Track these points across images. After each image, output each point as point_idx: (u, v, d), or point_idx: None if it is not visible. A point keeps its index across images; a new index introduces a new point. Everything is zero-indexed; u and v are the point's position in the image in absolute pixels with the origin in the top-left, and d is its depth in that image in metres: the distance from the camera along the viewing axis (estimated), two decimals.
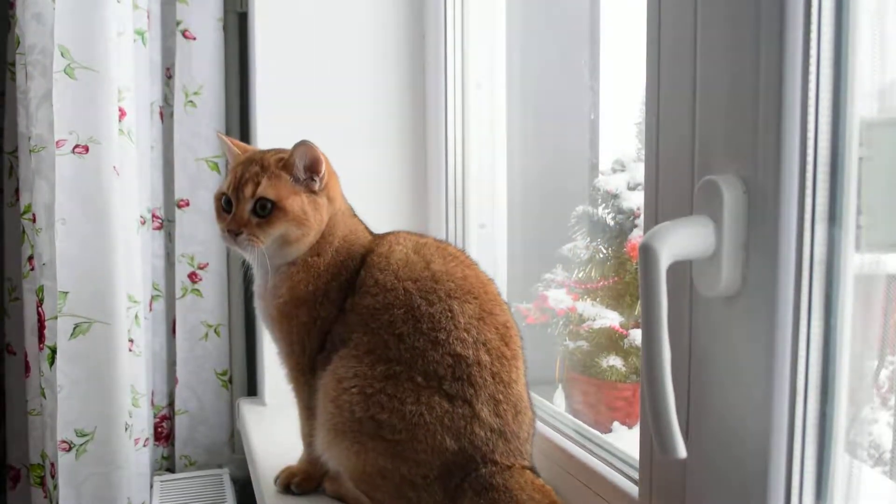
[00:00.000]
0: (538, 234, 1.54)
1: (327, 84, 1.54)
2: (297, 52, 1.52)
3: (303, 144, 1.01)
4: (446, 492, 0.90)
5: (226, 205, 1.02)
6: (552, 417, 1.10)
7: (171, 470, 1.72)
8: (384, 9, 1.56)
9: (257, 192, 0.99)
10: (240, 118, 1.71)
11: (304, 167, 1.02)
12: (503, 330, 0.95)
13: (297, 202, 1.00)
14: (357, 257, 1.03)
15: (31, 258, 1.47)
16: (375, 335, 0.94)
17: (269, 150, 1.06)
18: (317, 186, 1.02)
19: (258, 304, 1.09)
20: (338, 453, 0.95)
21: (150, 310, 1.66)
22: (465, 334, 0.92)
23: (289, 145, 1.62)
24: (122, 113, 1.46)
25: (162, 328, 1.72)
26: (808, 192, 0.54)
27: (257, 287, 1.08)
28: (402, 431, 0.89)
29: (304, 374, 1.03)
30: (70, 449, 1.42)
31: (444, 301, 0.93)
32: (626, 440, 0.97)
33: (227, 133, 1.71)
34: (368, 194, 1.56)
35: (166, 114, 1.70)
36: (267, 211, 0.98)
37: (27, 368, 1.52)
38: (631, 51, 0.87)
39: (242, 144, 1.12)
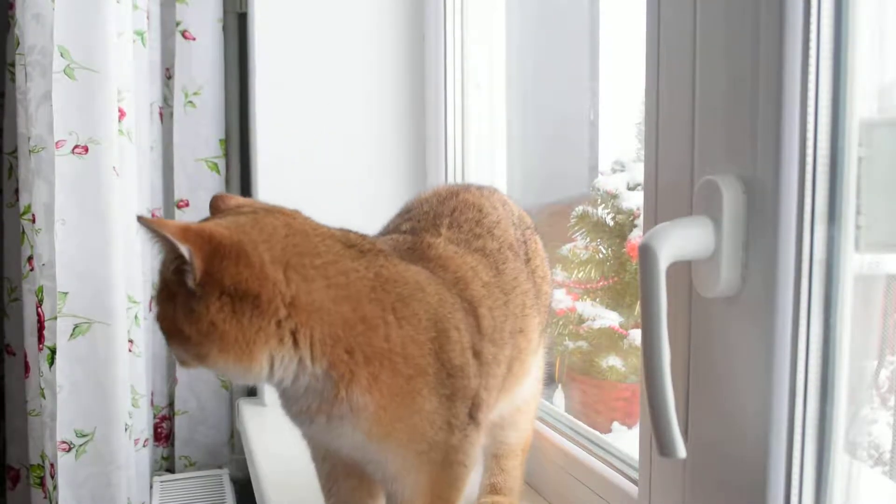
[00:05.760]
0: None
1: (327, 84, 1.54)
2: (297, 52, 1.52)
3: (138, 221, 0.69)
4: None
5: None
6: (552, 417, 1.10)
7: (170, 470, 1.72)
8: (384, 9, 1.56)
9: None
10: (239, 118, 1.71)
11: (170, 256, 0.70)
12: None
13: (163, 311, 0.71)
14: (450, 306, 0.77)
15: (30, 258, 1.47)
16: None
17: None
18: (190, 282, 0.67)
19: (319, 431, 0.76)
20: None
21: (150, 310, 1.66)
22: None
23: (288, 145, 1.61)
24: (122, 113, 1.46)
25: None
26: (808, 192, 0.54)
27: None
28: None
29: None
30: (70, 449, 1.42)
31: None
32: (626, 440, 0.97)
33: (227, 134, 1.71)
34: (368, 194, 1.57)
35: (166, 114, 1.70)
36: None
37: (27, 369, 1.52)
38: (631, 51, 0.87)
39: (239, 201, 0.79)
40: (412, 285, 0.74)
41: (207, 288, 0.66)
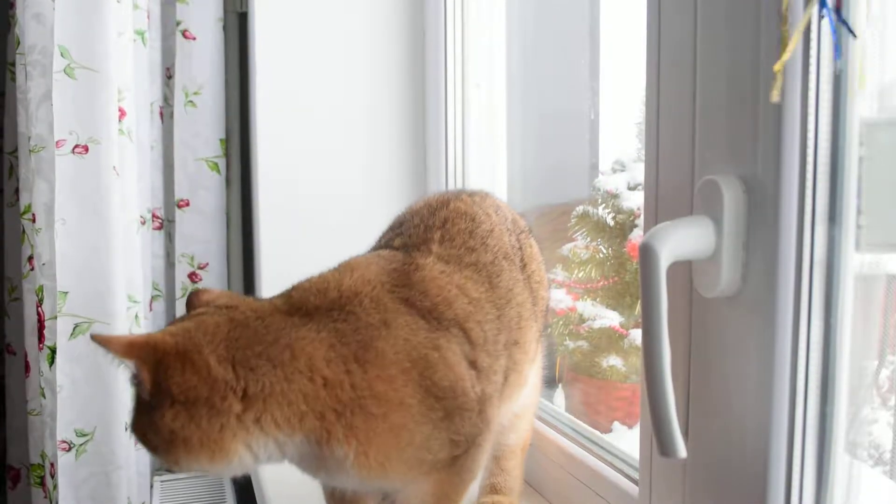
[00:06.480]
0: (537, 235, 1.54)
1: (327, 84, 1.54)
2: (297, 52, 1.52)
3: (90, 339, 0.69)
4: None
5: None
6: (552, 417, 1.10)
7: (171, 470, 1.72)
8: (384, 9, 1.56)
9: None
10: (240, 118, 1.71)
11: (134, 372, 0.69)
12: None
13: (134, 422, 0.72)
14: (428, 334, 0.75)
15: (31, 258, 1.47)
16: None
17: None
18: (144, 395, 0.69)
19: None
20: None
21: (150, 310, 1.66)
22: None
23: (288, 145, 1.61)
24: (122, 113, 1.46)
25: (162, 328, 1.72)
26: (808, 192, 0.54)
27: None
28: None
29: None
30: (70, 449, 1.42)
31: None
32: (626, 440, 0.97)
33: (227, 134, 1.71)
34: (368, 195, 1.57)
35: (166, 114, 1.70)
36: None
37: (27, 368, 1.52)
38: (631, 51, 0.87)
39: (212, 296, 0.80)
40: (374, 326, 0.73)
41: (160, 398, 0.68)
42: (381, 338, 0.72)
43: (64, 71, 1.39)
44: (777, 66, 0.52)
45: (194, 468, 0.69)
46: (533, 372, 0.96)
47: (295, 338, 0.71)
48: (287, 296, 0.76)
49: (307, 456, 0.72)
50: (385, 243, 0.90)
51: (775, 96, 0.53)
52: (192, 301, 0.78)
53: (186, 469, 0.70)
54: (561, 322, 1.33)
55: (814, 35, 0.54)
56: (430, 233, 0.86)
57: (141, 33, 1.57)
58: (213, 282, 1.69)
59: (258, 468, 0.77)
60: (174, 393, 0.67)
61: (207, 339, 0.69)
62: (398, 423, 0.71)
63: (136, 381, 0.69)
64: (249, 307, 0.74)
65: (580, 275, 1.33)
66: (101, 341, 0.67)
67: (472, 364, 0.77)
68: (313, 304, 0.74)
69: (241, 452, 0.69)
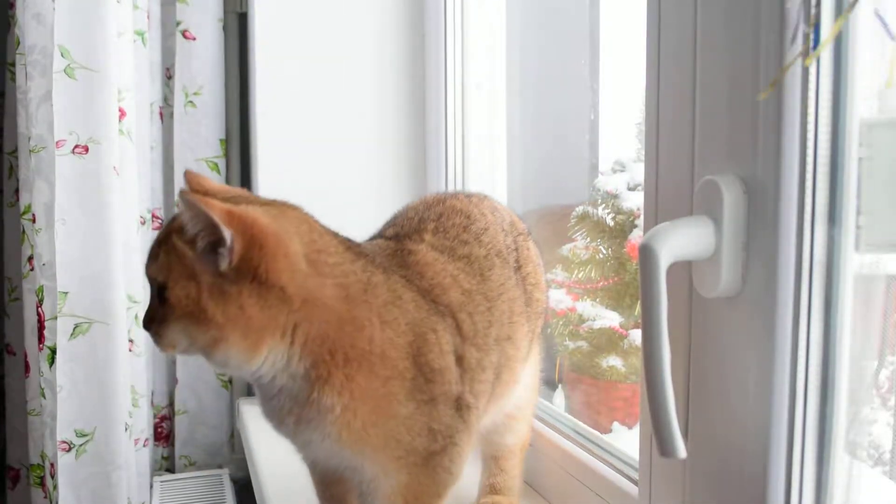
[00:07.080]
0: (538, 236, 1.54)
1: (327, 85, 1.54)
2: (297, 52, 1.52)
3: (181, 197, 0.67)
4: None
5: None
6: (552, 417, 1.10)
7: (170, 470, 1.72)
8: (384, 9, 1.56)
9: (149, 270, 0.71)
10: (240, 118, 1.71)
11: (200, 235, 0.67)
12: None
13: (183, 290, 0.67)
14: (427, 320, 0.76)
15: (31, 258, 1.47)
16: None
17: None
18: (223, 265, 0.67)
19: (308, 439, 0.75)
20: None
21: None
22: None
23: (288, 145, 1.61)
24: (122, 113, 1.46)
25: None
26: (808, 192, 0.54)
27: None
28: None
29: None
30: (70, 449, 1.42)
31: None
32: (626, 440, 0.97)
33: (227, 134, 1.71)
34: (368, 195, 1.57)
35: (166, 114, 1.71)
36: (163, 300, 0.69)
37: (27, 368, 1.52)
38: (631, 51, 0.87)
39: (215, 187, 0.78)
40: (392, 293, 0.76)
41: (241, 274, 0.67)
42: (397, 306, 0.75)
43: (64, 71, 1.39)
44: (808, 61, 0.52)
45: (229, 352, 0.68)
46: (528, 372, 0.96)
47: (351, 269, 0.73)
48: (343, 237, 0.78)
49: (290, 394, 0.72)
50: (378, 234, 0.92)
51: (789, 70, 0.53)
52: (192, 184, 0.77)
53: (217, 351, 0.68)
54: (561, 322, 1.33)
55: (813, 35, 0.53)
56: (424, 224, 0.88)
57: (141, 33, 1.58)
58: None
59: (252, 382, 0.75)
60: (259, 272, 0.66)
61: (293, 230, 0.70)
62: (392, 392, 0.73)
63: (207, 248, 0.67)
64: (317, 222, 0.76)
65: (580, 275, 1.32)
66: (202, 204, 0.64)
67: (460, 360, 0.78)
68: (358, 250, 0.77)
69: (262, 356, 0.69)
